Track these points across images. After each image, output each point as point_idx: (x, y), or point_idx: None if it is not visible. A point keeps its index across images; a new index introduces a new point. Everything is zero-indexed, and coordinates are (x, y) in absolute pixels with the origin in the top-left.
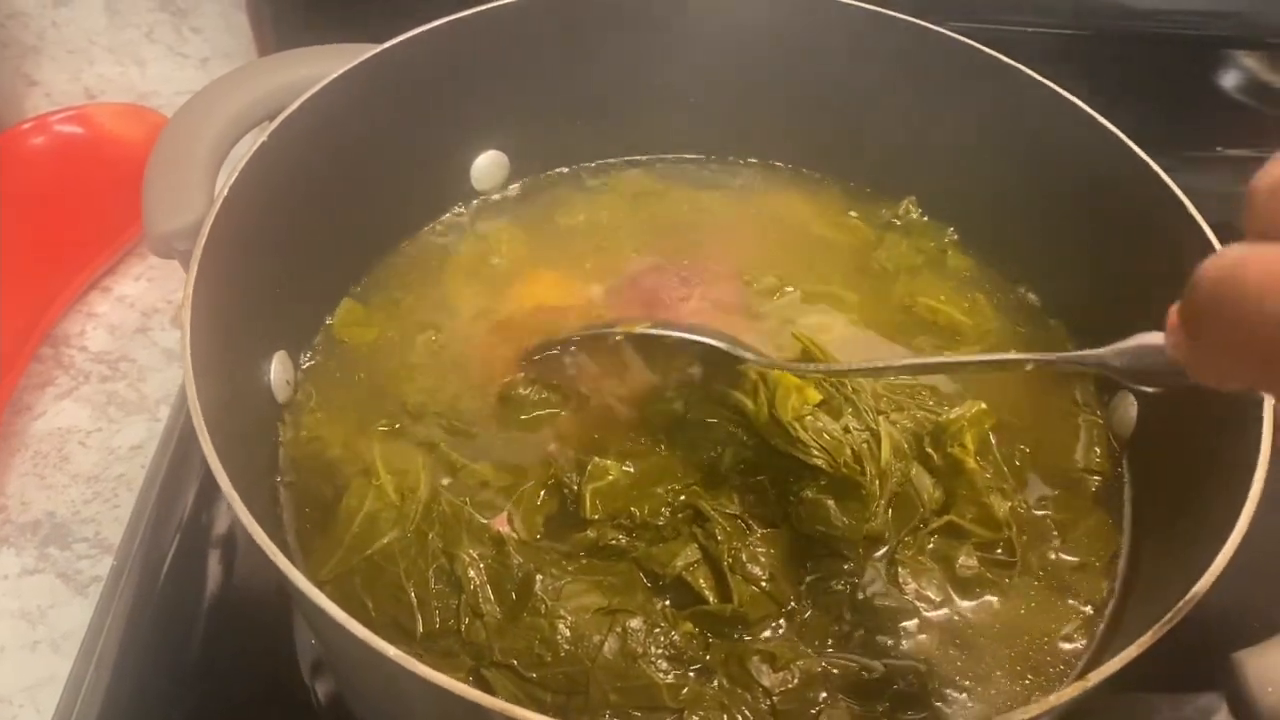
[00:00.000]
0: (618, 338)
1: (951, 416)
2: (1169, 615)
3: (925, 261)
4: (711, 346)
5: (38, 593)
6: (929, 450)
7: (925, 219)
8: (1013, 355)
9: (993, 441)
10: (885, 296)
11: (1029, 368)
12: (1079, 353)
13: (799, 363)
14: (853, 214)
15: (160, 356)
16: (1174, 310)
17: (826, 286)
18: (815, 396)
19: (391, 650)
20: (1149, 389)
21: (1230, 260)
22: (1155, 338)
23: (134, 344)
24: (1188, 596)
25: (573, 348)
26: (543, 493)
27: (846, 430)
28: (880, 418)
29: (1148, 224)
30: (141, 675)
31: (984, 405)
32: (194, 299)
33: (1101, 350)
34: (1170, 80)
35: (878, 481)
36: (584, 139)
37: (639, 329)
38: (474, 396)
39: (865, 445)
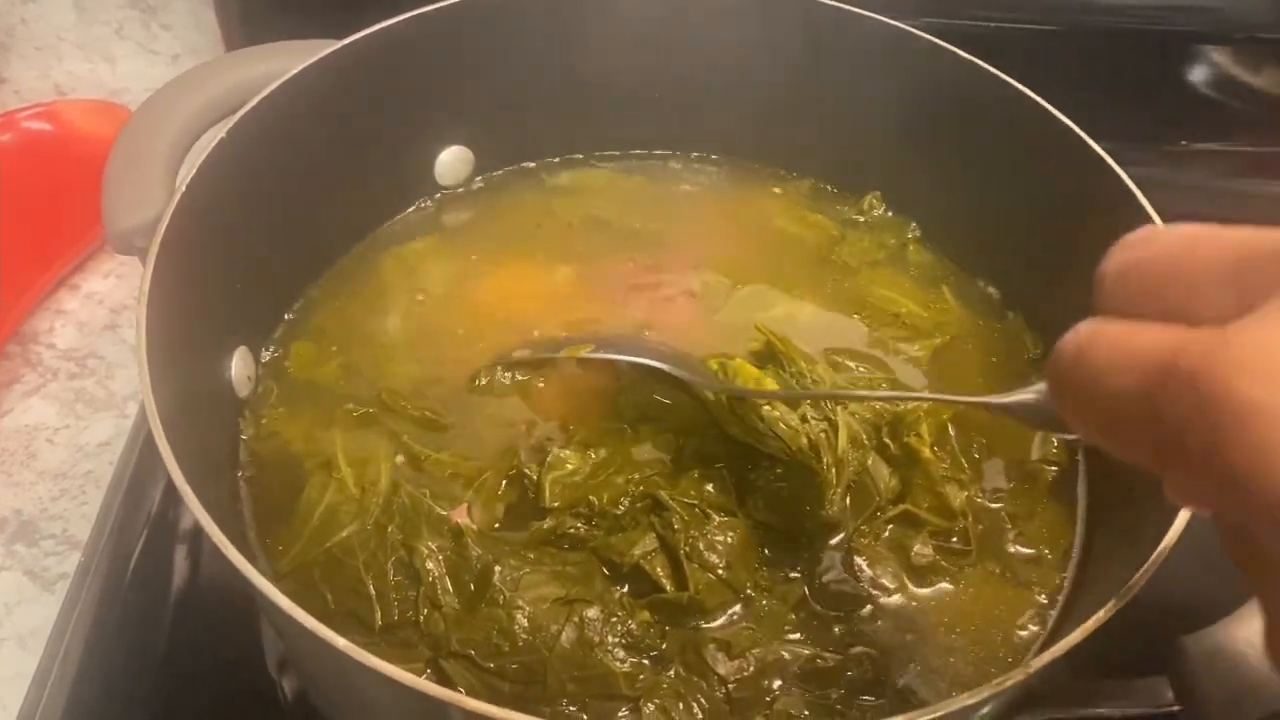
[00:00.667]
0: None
1: (909, 407)
2: (1110, 604)
3: (887, 256)
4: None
5: (4, 590)
6: (886, 440)
7: (889, 214)
8: (927, 395)
9: (951, 432)
10: (847, 290)
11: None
12: (986, 398)
13: (736, 387)
14: (816, 210)
15: (129, 353)
16: None
17: (790, 280)
18: (772, 386)
19: (341, 641)
20: (1054, 435)
21: (1082, 337)
22: None
23: (102, 341)
24: (1127, 585)
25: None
26: (503, 483)
27: (804, 420)
28: (838, 408)
29: (1102, 219)
30: (108, 671)
31: None
32: (150, 295)
33: (1008, 397)
34: (1137, 75)
35: (834, 470)
36: (548, 134)
37: (584, 352)
38: (438, 388)
39: (823, 435)
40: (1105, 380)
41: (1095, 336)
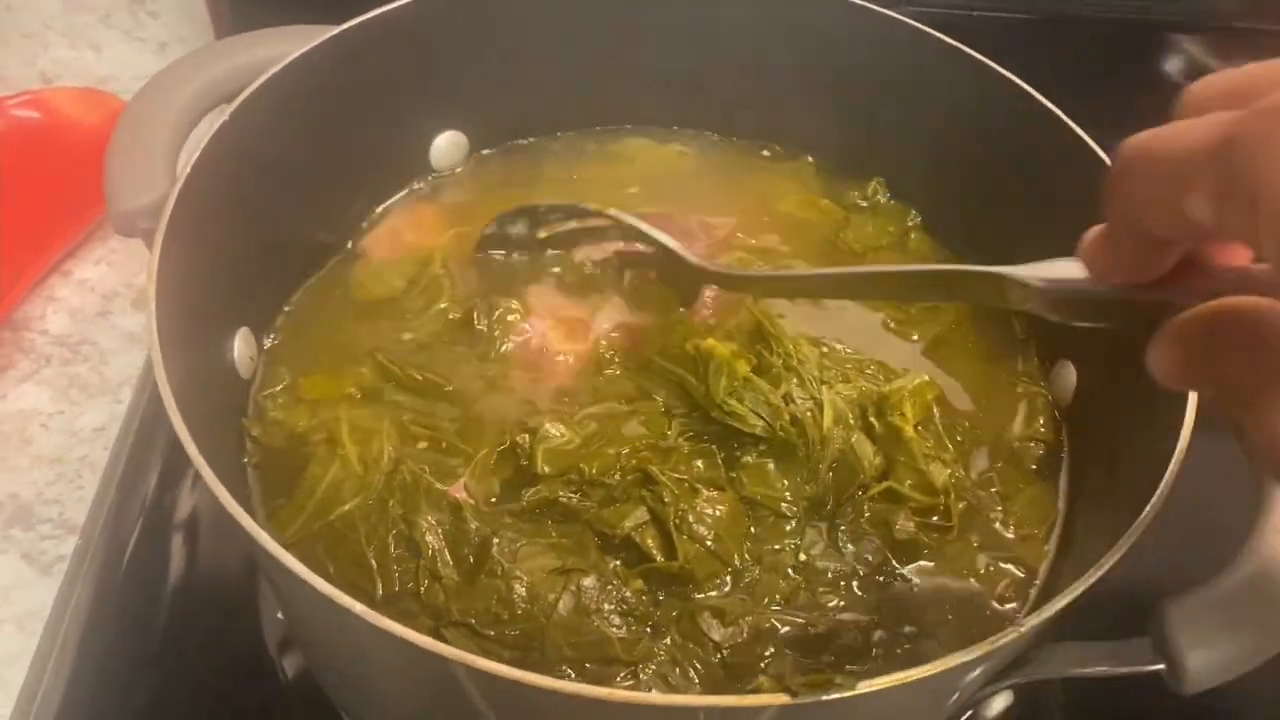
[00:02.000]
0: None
1: (893, 387)
2: (1095, 567)
3: (890, 243)
4: (663, 246)
5: (2, 573)
6: (871, 419)
7: (891, 201)
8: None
9: (935, 412)
10: None
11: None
12: (988, 269)
13: (736, 273)
14: (822, 194)
15: (122, 339)
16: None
17: (793, 262)
18: (744, 369)
19: (358, 606)
20: (1057, 318)
21: (1141, 135)
22: (1070, 262)
23: (95, 327)
24: (1112, 550)
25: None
26: (498, 457)
27: (787, 399)
28: (824, 387)
29: (1096, 210)
30: (106, 653)
31: (927, 377)
32: (158, 276)
33: (1014, 269)
34: (1114, 64)
35: (819, 447)
36: (545, 118)
37: (594, 206)
38: (439, 363)
39: (809, 413)
40: (1175, 144)
41: (1154, 131)
